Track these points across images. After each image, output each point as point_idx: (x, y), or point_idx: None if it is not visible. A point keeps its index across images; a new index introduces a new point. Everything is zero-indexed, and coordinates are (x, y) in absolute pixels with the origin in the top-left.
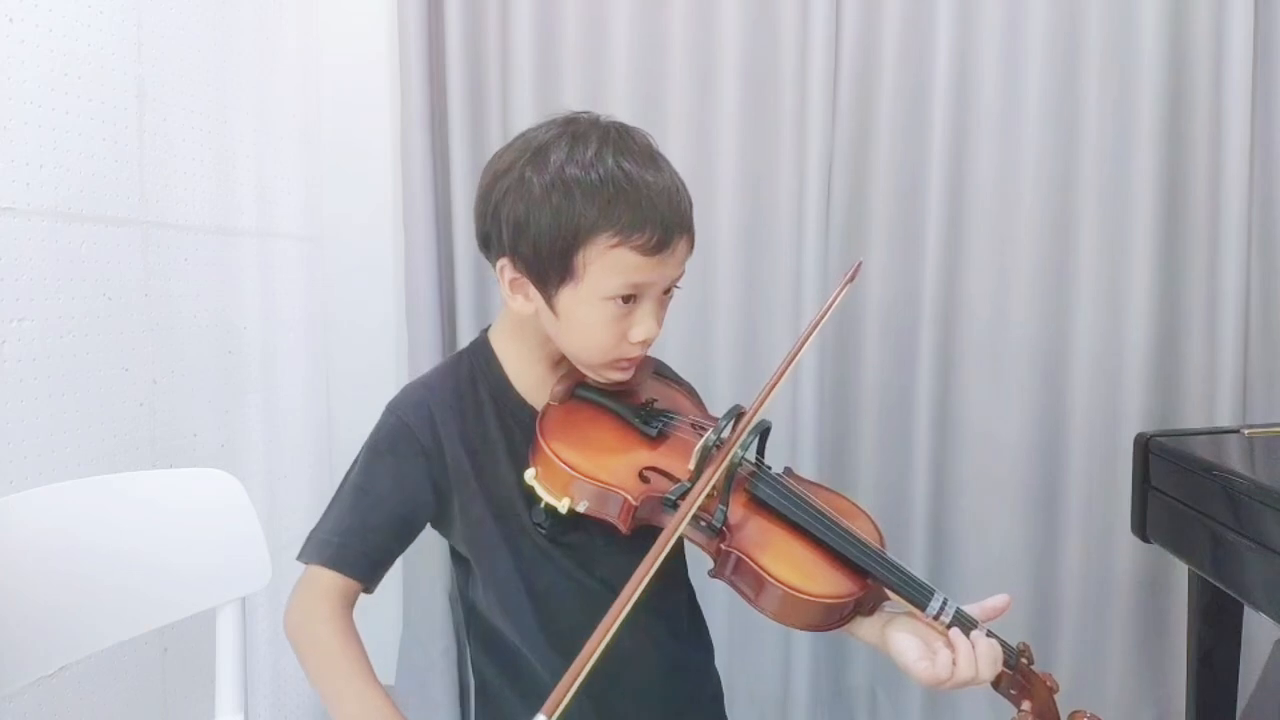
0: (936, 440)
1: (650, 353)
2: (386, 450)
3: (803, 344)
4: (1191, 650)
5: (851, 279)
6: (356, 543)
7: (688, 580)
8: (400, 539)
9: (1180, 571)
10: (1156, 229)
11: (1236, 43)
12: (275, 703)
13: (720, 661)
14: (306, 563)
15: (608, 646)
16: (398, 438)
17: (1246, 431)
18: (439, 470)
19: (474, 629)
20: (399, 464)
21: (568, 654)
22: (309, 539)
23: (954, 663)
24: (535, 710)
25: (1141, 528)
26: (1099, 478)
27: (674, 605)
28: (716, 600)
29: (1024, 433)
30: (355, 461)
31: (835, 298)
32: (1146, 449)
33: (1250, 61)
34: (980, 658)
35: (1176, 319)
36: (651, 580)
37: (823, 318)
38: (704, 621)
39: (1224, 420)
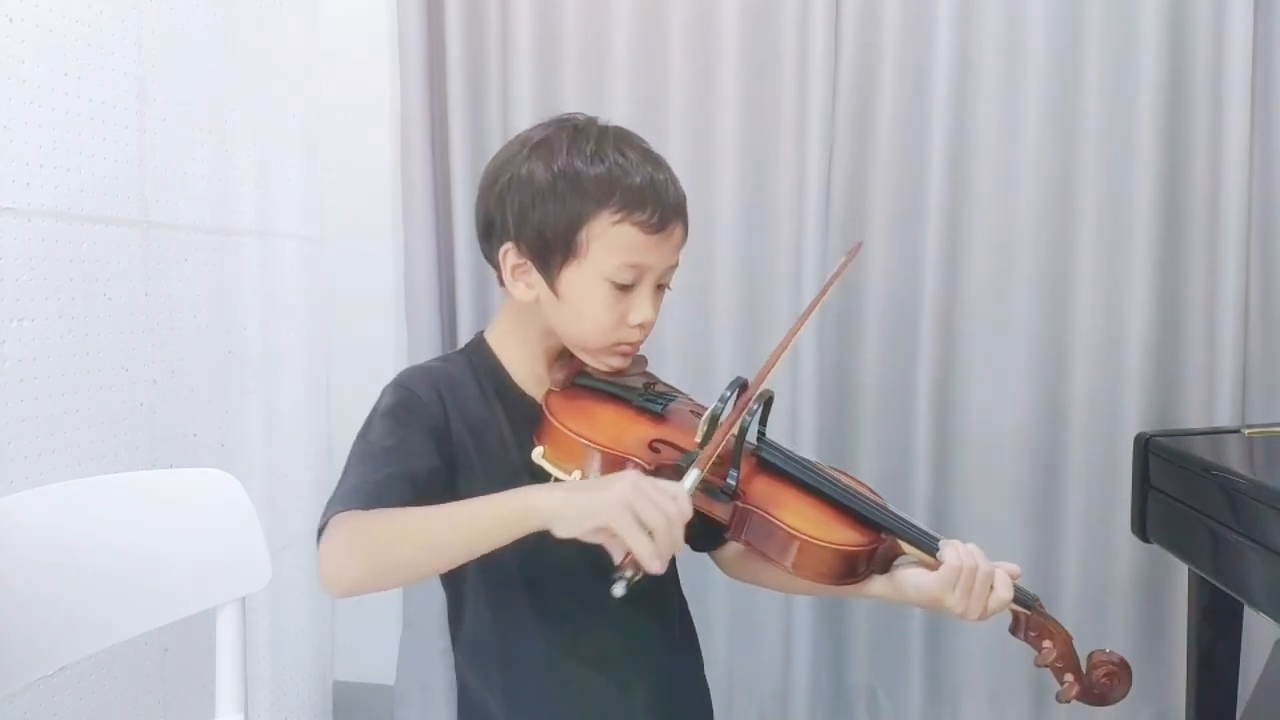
0: (936, 439)
1: (650, 345)
2: (405, 415)
3: (803, 321)
4: (1191, 650)
5: (850, 258)
6: (397, 485)
7: (680, 589)
8: (432, 494)
9: (1180, 571)
10: (1156, 227)
11: (1236, 43)
12: (275, 703)
13: (720, 661)
14: (336, 512)
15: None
16: (412, 407)
17: (1246, 431)
18: (446, 446)
19: (458, 631)
20: (420, 428)
21: (556, 641)
22: (330, 501)
23: (962, 558)
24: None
25: (1141, 528)
26: (1099, 477)
27: (666, 607)
28: (716, 599)
29: (1024, 432)
30: (369, 428)
31: (834, 277)
32: (1146, 449)
33: (1250, 61)
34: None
35: (1176, 318)
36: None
37: (822, 296)
38: (695, 633)
39: (1224, 420)
